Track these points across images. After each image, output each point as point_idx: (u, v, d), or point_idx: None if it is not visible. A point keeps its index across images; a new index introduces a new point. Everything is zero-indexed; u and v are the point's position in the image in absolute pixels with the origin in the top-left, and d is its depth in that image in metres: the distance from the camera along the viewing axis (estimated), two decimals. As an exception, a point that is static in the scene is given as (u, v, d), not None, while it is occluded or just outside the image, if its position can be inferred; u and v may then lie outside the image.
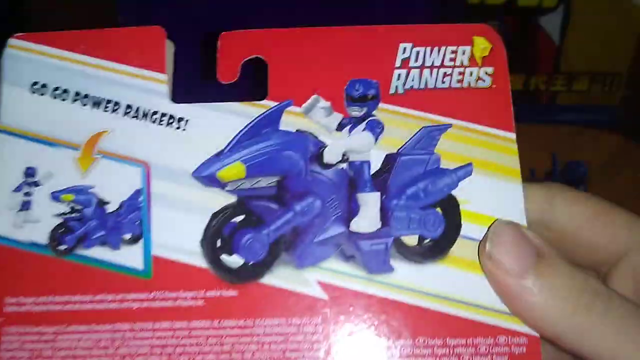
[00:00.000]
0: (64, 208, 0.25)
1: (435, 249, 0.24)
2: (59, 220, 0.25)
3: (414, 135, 0.25)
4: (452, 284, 0.24)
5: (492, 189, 0.24)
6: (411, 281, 0.24)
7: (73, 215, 0.25)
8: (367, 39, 0.26)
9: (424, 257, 0.24)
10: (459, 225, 0.24)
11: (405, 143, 0.25)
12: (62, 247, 0.25)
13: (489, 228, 0.24)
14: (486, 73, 0.25)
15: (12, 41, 0.26)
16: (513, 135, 0.25)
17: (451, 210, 0.24)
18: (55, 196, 0.25)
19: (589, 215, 0.26)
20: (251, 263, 0.24)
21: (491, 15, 0.75)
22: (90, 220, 0.25)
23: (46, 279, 0.24)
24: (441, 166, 0.25)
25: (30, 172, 0.25)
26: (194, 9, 0.53)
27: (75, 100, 0.26)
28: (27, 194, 0.25)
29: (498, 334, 0.23)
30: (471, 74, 0.25)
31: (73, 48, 0.26)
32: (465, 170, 0.25)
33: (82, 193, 0.25)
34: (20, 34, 0.26)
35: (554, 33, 0.77)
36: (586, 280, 0.22)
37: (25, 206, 0.25)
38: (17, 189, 0.25)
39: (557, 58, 0.78)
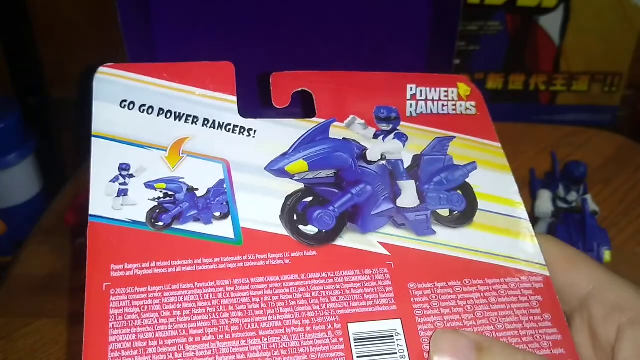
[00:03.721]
0: (158, 194, 0.29)
1: (462, 218, 0.31)
2: (154, 204, 0.29)
3: (430, 143, 0.33)
4: (481, 241, 0.30)
5: (493, 178, 0.33)
6: (450, 240, 0.30)
7: (167, 199, 0.29)
8: (384, 81, 0.34)
9: (455, 224, 0.31)
10: (476, 202, 0.32)
11: (425, 148, 0.33)
12: (160, 224, 0.28)
13: (430, 339, 0.27)
14: (471, 105, 0.35)
15: (102, 69, 0.31)
16: (499, 144, 0.34)
17: (468, 192, 0.32)
18: (149, 185, 0.29)
19: (558, 259, 0.30)
20: (324, 231, 0.29)
21: (491, 15, 0.76)
22: (182, 203, 0.29)
23: (147, 248, 0.28)
24: (454, 163, 0.33)
25: (124, 167, 0.29)
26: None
27: (159, 114, 0.31)
28: (123, 183, 0.29)
29: (521, 274, 0.30)
30: (461, 105, 0.35)
31: (157, 76, 0.32)
32: (472, 166, 0.33)
33: (173, 182, 0.29)
34: (109, 64, 0.31)
35: (554, 33, 0.77)
36: (525, 357, 0.25)
37: (122, 193, 0.29)
38: (114, 180, 0.29)
39: (557, 58, 0.79)
